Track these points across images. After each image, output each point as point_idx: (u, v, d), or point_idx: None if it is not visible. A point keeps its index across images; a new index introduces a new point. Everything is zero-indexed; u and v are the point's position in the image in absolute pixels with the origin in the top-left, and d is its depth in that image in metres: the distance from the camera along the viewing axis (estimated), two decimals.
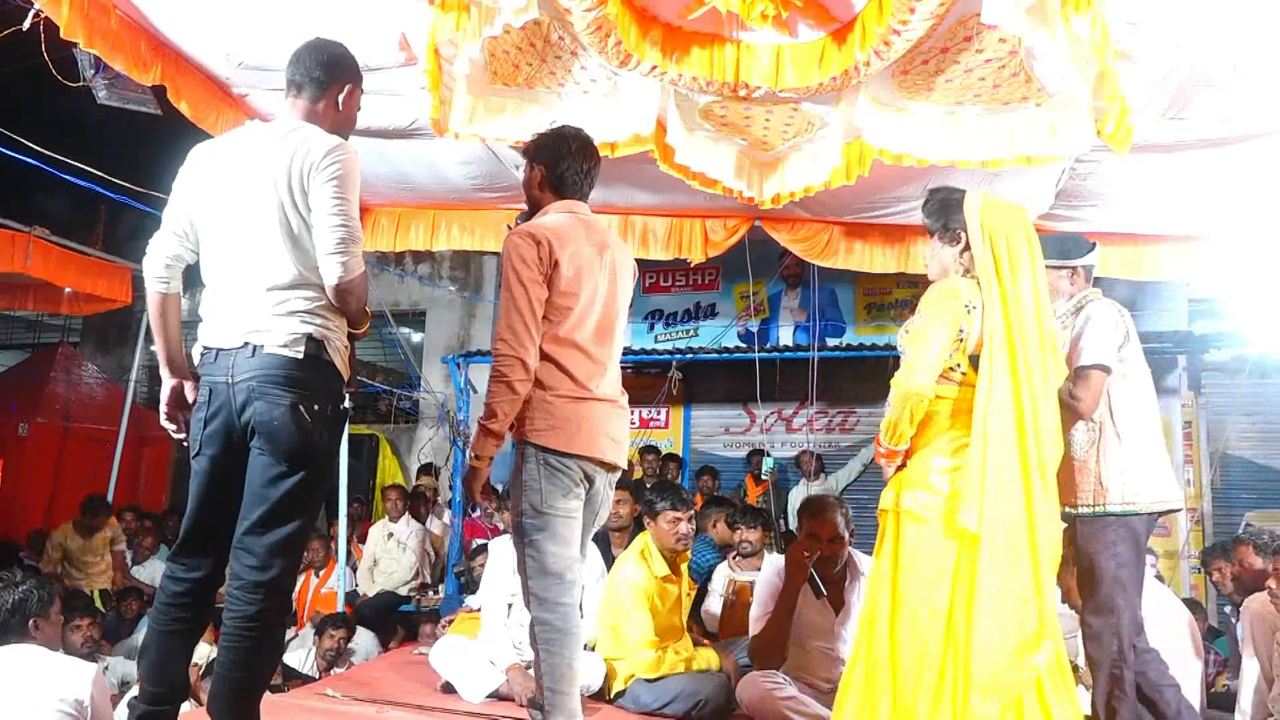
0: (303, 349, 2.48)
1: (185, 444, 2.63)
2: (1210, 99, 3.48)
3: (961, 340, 2.74)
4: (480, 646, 4.26)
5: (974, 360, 2.74)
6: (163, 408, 2.67)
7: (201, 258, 2.61)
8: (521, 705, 3.84)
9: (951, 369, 2.76)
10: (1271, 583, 3.73)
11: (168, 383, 2.67)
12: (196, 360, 2.61)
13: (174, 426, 2.68)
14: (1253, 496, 7.89)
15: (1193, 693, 3.70)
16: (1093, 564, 3.21)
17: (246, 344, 2.47)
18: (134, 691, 2.65)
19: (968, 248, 2.86)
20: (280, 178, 2.46)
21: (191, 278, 2.67)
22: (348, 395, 2.67)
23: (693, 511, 4.43)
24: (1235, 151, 3.91)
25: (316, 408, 2.50)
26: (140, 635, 5.50)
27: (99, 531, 7.66)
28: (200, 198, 2.57)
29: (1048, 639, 2.60)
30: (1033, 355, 2.70)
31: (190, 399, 2.63)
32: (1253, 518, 7.67)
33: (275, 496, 2.47)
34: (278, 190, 2.46)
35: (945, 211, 2.94)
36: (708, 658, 4.26)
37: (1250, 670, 4.05)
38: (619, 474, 3.06)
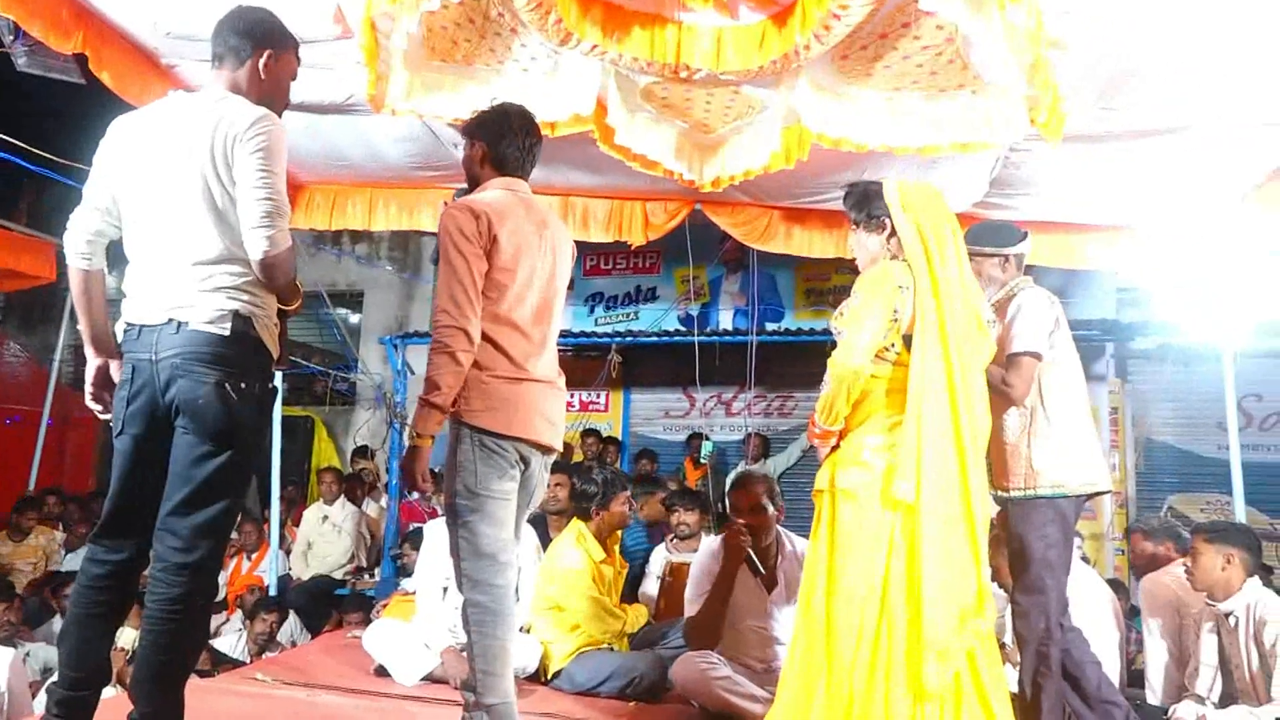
0: (229, 326, 2.42)
1: (111, 424, 2.56)
2: (1139, 89, 3.55)
3: (895, 321, 2.79)
4: (414, 630, 4.24)
5: (907, 340, 2.79)
6: (88, 388, 2.60)
7: (124, 233, 2.53)
8: (455, 688, 3.82)
9: (886, 349, 2.80)
10: (1187, 561, 3.85)
11: (92, 362, 2.58)
12: (120, 337, 2.54)
13: (99, 407, 2.60)
14: (1175, 480, 8.15)
15: (1113, 669, 3.82)
16: (1023, 545, 3.28)
17: (170, 320, 2.41)
18: (56, 677, 2.58)
19: (893, 234, 2.92)
20: (203, 150, 2.40)
21: (118, 255, 2.59)
22: (278, 374, 2.61)
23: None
24: (1162, 142, 3.99)
25: (244, 386, 2.44)
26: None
27: (30, 536, 7.46)
28: (122, 171, 2.49)
29: (986, 605, 2.66)
30: (961, 333, 2.77)
31: (116, 378, 2.56)
32: (1174, 501, 7.92)
33: (200, 477, 2.41)
34: (201, 163, 2.40)
35: (866, 201, 3.00)
36: (638, 613, 4.48)
37: (1155, 650, 4.18)
38: (554, 456, 3.05)
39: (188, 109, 2.50)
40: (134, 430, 2.46)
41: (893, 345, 2.80)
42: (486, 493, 2.78)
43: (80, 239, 2.51)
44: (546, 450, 2.96)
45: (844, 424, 2.88)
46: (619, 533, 4.60)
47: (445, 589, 4.14)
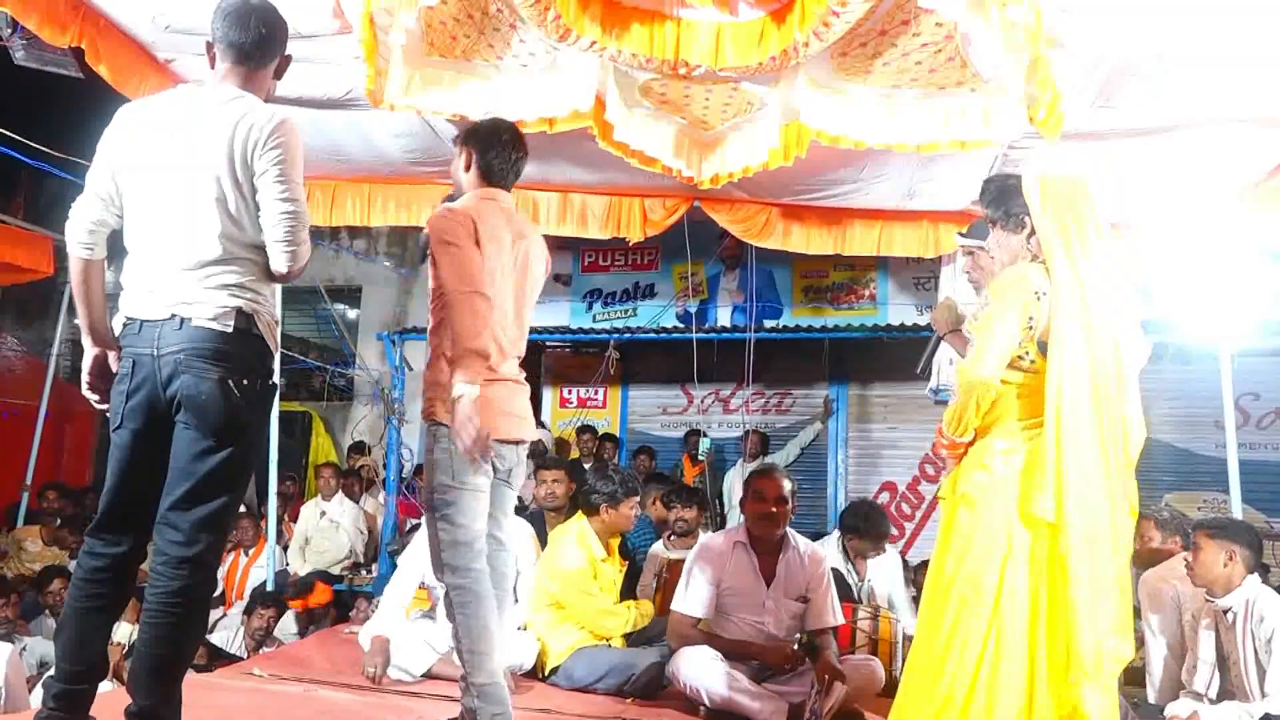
0: (232, 323, 2.42)
1: (108, 415, 2.55)
2: (1137, 88, 3.55)
3: (1031, 328, 2.64)
4: (413, 625, 4.25)
5: (1042, 347, 2.65)
6: (84, 377, 2.58)
7: (126, 224, 2.51)
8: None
9: (1020, 357, 2.66)
10: (1188, 556, 3.85)
11: (90, 352, 2.57)
12: (118, 330, 2.53)
13: (96, 397, 2.59)
14: (1172, 478, 8.15)
15: None
16: None
17: (173, 316, 2.40)
18: (53, 671, 2.58)
19: (1034, 232, 2.73)
20: (220, 150, 2.39)
21: (116, 249, 2.58)
22: (277, 370, 2.62)
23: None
24: (1161, 141, 4.00)
25: (245, 382, 2.45)
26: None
27: (61, 545, 7.49)
28: (128, 161, 2.47)
29: (1129, 629, 2.54)
30: (1108, 337, 2.60)
31: (114, 369, 2.55)
32: (1172, 499, 7.92)
33: (202, 472, 2.41)
34: (216, 162, 2.39)
35: (1005, 198, 2.82)
36: (644, 608, 4.50)
37: (1156, 647, 4.19)
38: (527, 445, 3.21)
39: (200, 104, 2.48)
40: (133, 425, 2.46)
41: (1027, 353, 2.66)
42: (462, 486, 2.92)
43: (82, 228, 2.49)
44: (517, 443, 3.12)
45: (974, 434, 2.74)
46: (619, 537, 4.61)
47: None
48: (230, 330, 2.42)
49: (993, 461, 2.67)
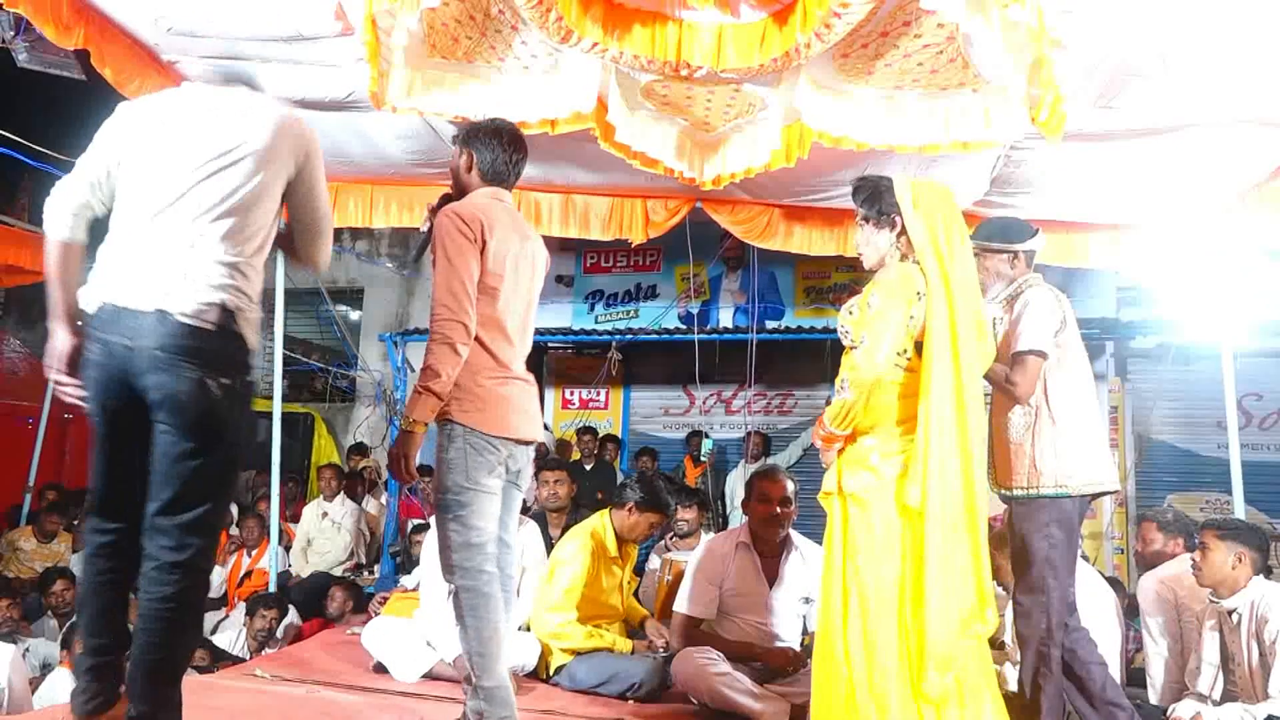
0: (214, 319, 2.37)
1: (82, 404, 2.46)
2: (1139, 89, 3.55)
3: (911, 325, 2.75)
4: (416, 627, 4.24)
5: (917, 346, 2.76)
6: (59, 364, 2.47)
7: (118, 210, 2.47)
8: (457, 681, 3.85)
9: (900, 354, 2.76)
10: (1195, 556, 3.84)
11: (67, 340, 2.46)
12: (91, 312, 2.42)
13: (72, 384, 2.47)
14: (1174, 479, 8.16)
15: (1114, 669, 3.81)
16: (1025, 544, 3.26)
17: (154, 309, 2.33)
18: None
19: (903, 232, 2.87)
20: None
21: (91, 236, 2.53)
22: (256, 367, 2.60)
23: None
24: (1163, 141, 4.00)
25: (224, 381, 2.40)
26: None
27: (53, 540, 7.49)
28: (127, 153, 2.45)
29: (987, 610, 2.65)
30: (968, 337, 2.73)
31: None
32: (1173, 500, 7.92)
33: (185, 475, 2.38)
34: (217, 158, 2.40)
35: (878, 197, 2.93)
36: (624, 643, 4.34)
37: (1155, 649, 4.19)
38: (534, 445, 3.20)
39: (204, 101, 2.51)
40: (110, 414, 2.41)
41: (905, 350, 2.77)
42: (476, 487, 2.90)
43: (66, 209, 2.45)
44: (528, 443, 3.13)
45: (853, 429, 2.84)
46: (635, 546, 4.59)
47: None
48: (210, 327, 2.37)
49: (877, 462, 2.77)
